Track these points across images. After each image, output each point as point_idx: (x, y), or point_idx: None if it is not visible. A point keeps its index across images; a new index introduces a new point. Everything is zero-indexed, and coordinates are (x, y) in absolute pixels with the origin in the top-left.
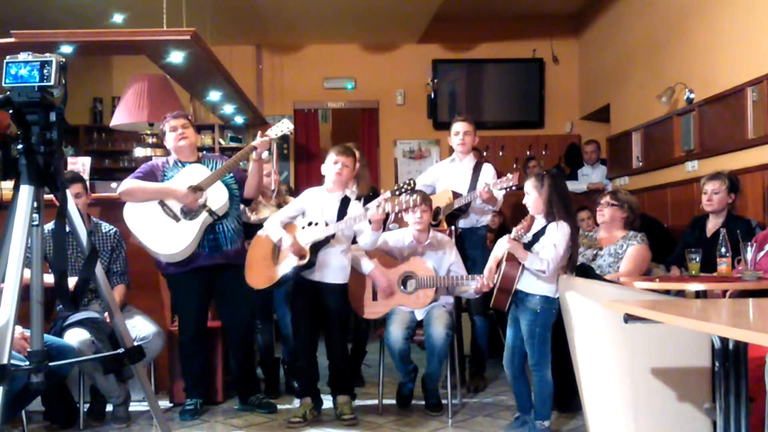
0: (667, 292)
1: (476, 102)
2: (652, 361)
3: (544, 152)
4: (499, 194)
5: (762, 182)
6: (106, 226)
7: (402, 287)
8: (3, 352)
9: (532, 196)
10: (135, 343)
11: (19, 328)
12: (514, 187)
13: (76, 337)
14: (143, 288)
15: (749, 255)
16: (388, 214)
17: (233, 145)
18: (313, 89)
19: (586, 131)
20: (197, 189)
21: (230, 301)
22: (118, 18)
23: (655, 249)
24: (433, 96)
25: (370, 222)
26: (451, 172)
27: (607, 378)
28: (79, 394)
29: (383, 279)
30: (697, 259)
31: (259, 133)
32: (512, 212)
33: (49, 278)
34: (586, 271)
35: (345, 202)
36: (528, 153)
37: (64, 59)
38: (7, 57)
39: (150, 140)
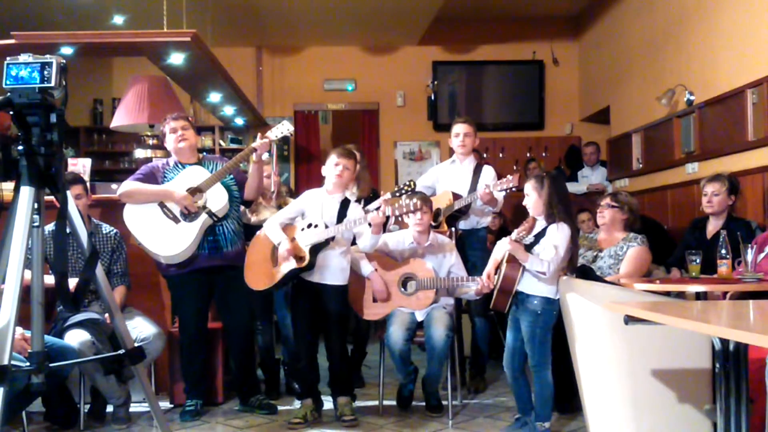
0: (667, 293)
1: (476, 104)
2: (652, 363)
3: (544, 154)
4: (500, 195)
5: (762, 184)
6: (106, 228)
7: (402, 288)
8: (3, 353)
9: (532, 198)
10: (135, 344)
11: (19, 329)
12: (514, 189)
13: (76, 338)
14: (144, 289)
15: (749, 257)
16: (388, 218)
17: (233, 146)
18: (314, 91)
19: (586, 133)
20: (197, 191)
21: (230, 302)
22: (118, 19)
23: (655, 251)
24: (433, 98)
25: (369, 225)
26: (452, 173)
27: (608, 379)
28: (79, 394)
29: (380, 282)
30: (698, 261)
31: (259, 134)
32: (512, 214)
33: (50, 279)
34: (586, 273)
35: (345, 204)
36: (528, 155)
37: (64, 61)
38: (8, 58)
39: (150, 142)
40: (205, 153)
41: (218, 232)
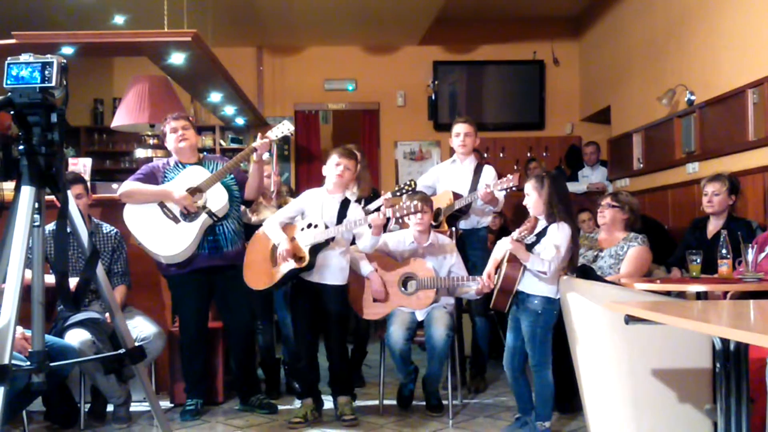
0: (667, 293)
1: (477, 103)
2: (652, 363)
3: (544, 154)
4: (500, 195)
5: (763, 184)
6: (107, 227)
7: (402, 288)
8: (4, 352)
9: (533, 198)
10: (136, 344)
11: (20, 329)
12: (514, 188)
13: (77, 337)
14: (144, 288)
15: (750, 256)
16: (388, 219)
17: (234, 146)
18: (314, 91)
19: (586, 133)
20: (197, 191)
21: (231, 301)
22: (119, 19)
23: (655, 250)
24: (433, 97)
25: (370, 226)
26: (452, 173)
27: (608, 379)
28: (80, 394)
29: (378, 282)
30: (698, 261)
31: (259, 134)
32: (513, 213)
33: (50, 279)
34: (586, 273)
35: (345, 204)
36: (529, 154)
37: (65, 60)
38: (9, 58)
39: (151, 141)
40: (205, 153)
41: (218, 231)
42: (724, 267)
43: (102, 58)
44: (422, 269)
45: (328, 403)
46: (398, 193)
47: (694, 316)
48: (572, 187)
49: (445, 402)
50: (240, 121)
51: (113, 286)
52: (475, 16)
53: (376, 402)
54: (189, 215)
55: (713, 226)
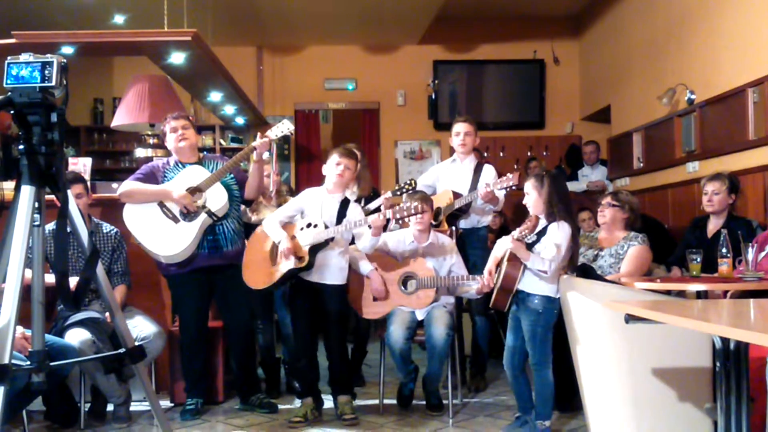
0: (668, 292)
1: (477, 103)
2: (653, 362)
3: (544, 153)
4: (501, 194)
5: (763, 183)
6: (107, 227)
7: (402, 287)
8: (4, 351)
9: (532, 197)
10: (136, 343)
11: (20, 328)
12: (513, 187)
13: (77, 336)
14: (144, 288)
15: (750, 255)
16: (388, 220)
17: (234, 145)
18: (314, 90)
19: (586, 132)
20: (196, 190)
21: (231, 301)
22: (119, 19)
23: (655, 250)
24: (433, 97)
25: (369, 226)
26: (452, 172)
27: (608, 378)
28: (80, 393)
29: (379, 281)
30: (698, 260)
31: (259, 134)
32: (513, 213)
33: (50, 278)
34: (587, 272)
35: (345, 204)
36: (529, 154)
37: (65, 60)
38: (9, 58)
39: (151, 141)
40: (205, 152)
41: (218, 231)
42: (724, 266)
43: (102, 57)
44: (422, 269)
45: (328, 402)
46: (398, 192)
47: (694, 315)
48: (572, 186)
49: (445, 401)
50: (240, 120)
51: (113, 286)
52: (475, 15)
53: (377, 401)
54: (188, 215)
55: (713, 225)
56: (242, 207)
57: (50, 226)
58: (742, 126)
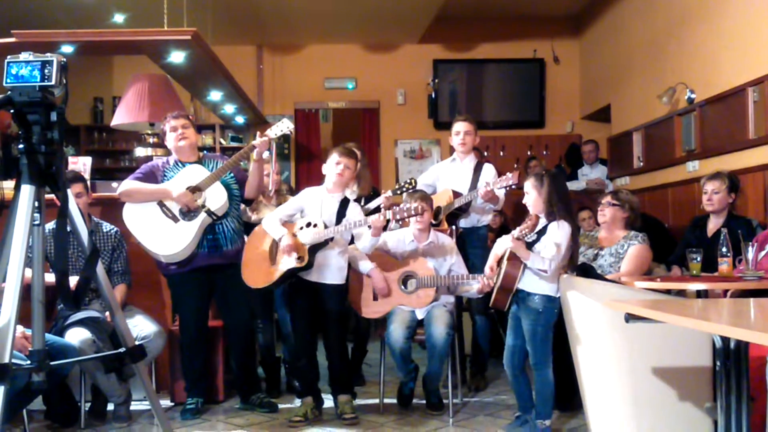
0: (668, 291)
1: (477, 102)
2: (653, 361)
3: (544, 152)
4: (501, 193)
5: (763, 182)
6: (107, 226)
7: (402, 287)
8: (4, 351)
9: (532, 196)
10: (136, 343)
11: (20, 328)
12: (513, 186)
13: (77, 336)
14: (144, 287)
15: (750, 255)
16: (388, 221)
17: (234, 144)
18: (314, 89)
19: (586, 131)
20: (196, 189)
21: (231, 300)
22: (119, 18)
23: (656, 249)
24: (433, 96)
25: (369, 227)
26: (452, 171)
27: (609, 377)
28: (80, 393)
29: (380, 279)
30: (698, 259)
31: (258, 132)
32: (513, 212)
33: (50, 278)
34: (587, 271)
35: (344, 204)
36: (529, 153)
37: (65, 59)
38: (9, 57)
39: (151, 140)
40: (205, 151)
41: (218, 230)
42: (724, 265)
43: (102, 56)
44: (422, 268)
45: (328, 401)
46: (398, 192)
47: (695, 315)
48: (572, 185)
49: (445, 400)
50: (240, 119)
51: (113, 285)
52: (475, 15)
53: (377, 400)
54: (188, 214)
55: (713, 224)
56: (242, 206)
57: (50, 225)
58: (742, 125)
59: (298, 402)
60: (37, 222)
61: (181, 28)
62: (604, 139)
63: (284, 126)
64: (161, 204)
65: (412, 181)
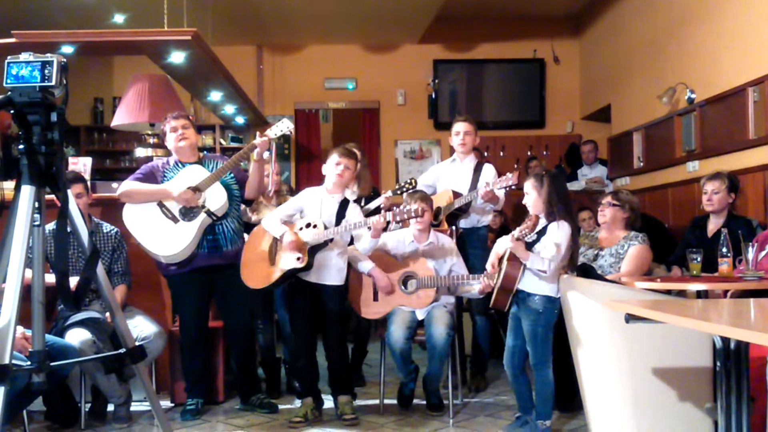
0: (668, 292)
1: (477, 102)
2: (653, 361)
3: (545, 152)
4: (501, 193)
5: (763, 182)
6: (107, 227)
7: (403, 287)
8: (4, 352)
9: (532, 196)
10: (136, 343)
11: (20, 328)
12: (513, 186)
13: (77, 337)
14: (144, 288)
15: (750, 255)
16: (388, 222)
17: (234, 145)
18: (314, 89)
19: (587, 131)
20: (195, 190)
21: (231, 301)
22: (119, 18)
23: (656, 249)
24: (434, 96)
25: (369, 228)
26: (452, 172)
27: (609, 377)
28: (80, 393)
29: (383, 277)
30: (699, 260)
31: (258, 133)
32: (513, 212)
33: (51, 278)
34: (587, 271)
35: (344, 205)
36: (529, 153)
37: (65, 59)
38: (9, 57)
39: (151, 140)
40: (205, 152)
41: (218, 231)
42: (724, 265)
43: (102, 57)
44: (422, 268)
45: (328, 402)
46: (399, 192)
47: (695, 315)
48: (571, 186)
49: (445, 401)
50: (240, 120)
51: (113, 286)
52: (475, 15)
53: (377, 401)
54: (188, 215)
55: (713, 224)
56: (242, 207)
57: (50, 225)
58: (742, 125)
59: (298, 403)
60: (37, 222)
61: (181, 28)
62: (604, 140)
63: (284, 126)
64: (161, 204)
65: (413, 181)
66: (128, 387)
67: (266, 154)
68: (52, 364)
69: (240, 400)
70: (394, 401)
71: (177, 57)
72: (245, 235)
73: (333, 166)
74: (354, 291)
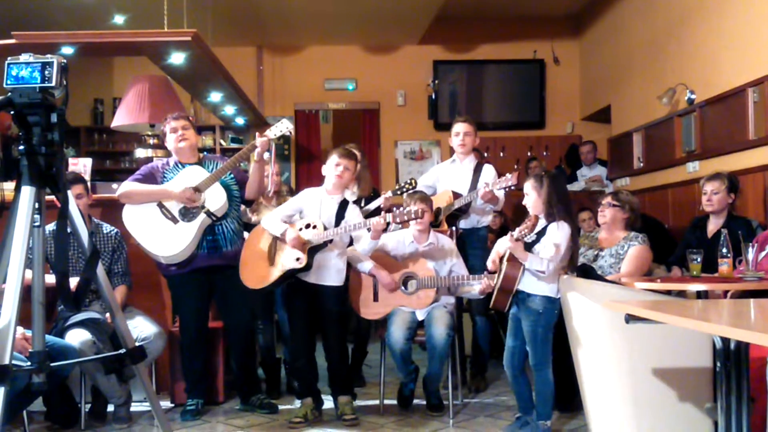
0: (668, 292)
1: (477, 103)
2: (653, 361)
3: (545, 153)
4: (500, 194)
5: (763, 183)
6: (107, 227)
7: (403, 288)
8: (4, 352)
9: (532, 197)
10: (136, 344)
11: (20, 329)
12: (512, 187)
13: (77, 337)
14: (144, 288)
15: (750, 255)
16: (388, 223)
17: (234, 146)
18: (314, 90)
19: (586, 132)
20: (195, 190)
21: (231, 301)
22: (119, 19)
23: (656, 250)
24: (433, 97)
25: (369, 229)
26: (452, 172)
27: (609, 378)
28: (80, 394)
29: (385, 274)
30: (699, 260)
31: (257, 133)
32: (513, 213)
33: (51, 279)
34: (587, 272)
35: (343, 206)
36: (529, 154)
37: (65, 60)
38: (9, 58)
39: (151, 141)
40: (205, 153)
41: (217, 231)
42: (724, 266)
43: (102, 57)
44: (422, 269)
45: (328, 402)
46: (399, 192)
47: (695, 315)
48: (571, 187)
49: (445, 401)
50: (240, 120)
51: (113, 286)
52: (475, 15)
53: (377, 402)
54: (187, 215)
55: (713, 225)
56: (242, 207)
57: (50, 226)
58: (742, 126)
59: (298, 403)
60: (37, 223)
61: (181, 29)
62: (604, 140)
63: (283, 126)
64: (161, 205)
65: (413, 181)
66: (128, 387)
67: (266, 155)
68: (52, 364)
69: (240, 401)
70: (394, 401)
71: (177, 58)
72: (245, 235)
73: (332, 166)
74: (354, 291)
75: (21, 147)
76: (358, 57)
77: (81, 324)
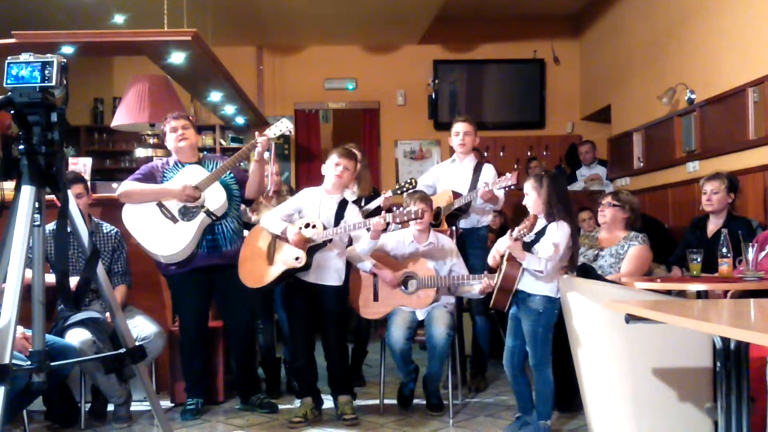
0: (668, 292)
1: (477, 102)
2: (653, 361)
3: (545, 153)
4: (500, 193)
5: (763, 183)
6: (107, 227)
7: (403, 287)
8: (5, 351)
9: (532, 197)
10: (136, 343)
11: (20, 328)
12: (512, 187)
13: (77, 337)
14: (144, 288)
15: (750, 255)
16: (388, 223)
17: (234, 145)
18: (314, 90)
19: (587, 132)
20: (195, 190)
21: (230, 301)
22: (119, 19)
23: (656, 249)
24: (433, 96)
25: (368, 229)
26: (452, 172)
27: (609, 378)
28: (80, 393)
29: (386, 272)
30: (699, 260)
31: (257, 133)
32: (513, 212)
33: (51, 278)
34: (587, 272)
35: (343, 205)
36: (529, 153)
37: (65, 60)
38: (9, 57)
39: (151, 141)
40: (205, 152)
41: (217, 231)
42: (724, 266)
43: (102, 57)
44: (422, 268)
45: (328, 402)
46: (398, 192)
47: (695, 315)
48: (571, 187)
49: (445, 401)
50: (240, 120)
51: (113, 286)
52: (475, 15)
53: (377, 401)
54: (187, 215)
55: (713, 225)
56: (242, 207)
57: (50, 226)
58: (742, 126)
59: (298, 403)
60: (37, 223)
61: (181, 28)
62: (604, 140)
63: (283, 126)
64: (160, 204)
65: (413, 181)
66: (128, 387)
67: (266, 154)
68: (52, 364)
69: (240, 400)
70: (394, 401)
71: (177, 57)
72: (245, 234)
73: (332, 166)
74: (354, 291)
75: (21, 146)
76: (358, 57)
77: (81, 323)
